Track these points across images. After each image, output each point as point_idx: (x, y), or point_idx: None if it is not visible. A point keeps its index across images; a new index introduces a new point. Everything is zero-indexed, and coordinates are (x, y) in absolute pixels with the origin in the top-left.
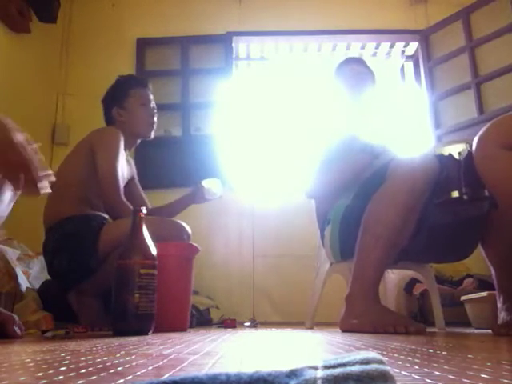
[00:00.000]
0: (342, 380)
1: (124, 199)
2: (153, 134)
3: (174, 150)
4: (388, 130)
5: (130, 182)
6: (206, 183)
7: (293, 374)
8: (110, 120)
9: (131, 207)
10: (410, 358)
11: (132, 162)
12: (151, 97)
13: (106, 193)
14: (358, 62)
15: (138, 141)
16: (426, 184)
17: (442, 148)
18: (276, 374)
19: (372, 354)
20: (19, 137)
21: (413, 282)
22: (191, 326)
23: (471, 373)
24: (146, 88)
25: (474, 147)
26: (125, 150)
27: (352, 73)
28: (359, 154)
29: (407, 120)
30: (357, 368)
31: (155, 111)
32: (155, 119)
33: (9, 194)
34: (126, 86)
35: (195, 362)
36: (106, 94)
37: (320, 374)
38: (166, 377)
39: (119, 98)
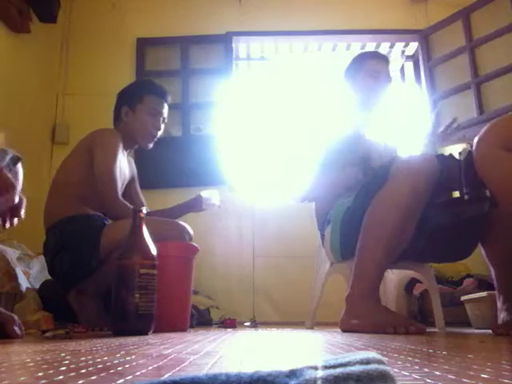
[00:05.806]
0: (342, 380)
1: (121, 198)
2: (151, 146)
3: (174, 150)
4: (390, 131)
5: (130, 183)
6: (204, 193)
7: (293, 374)
8: (116, 116)
9: (130, 205)
10: (410, 358)
11: (132, 162)
12: (165, 109)
13: (103, 192)
14: (381, 58)
15: (136, 146)
16: (427, 185)
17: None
18: (276, 374)
19: (372, 354)
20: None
21: (413, 282)
22: (191, 326)
23: (471, 373)
24: (162, 99)
25: (474, 147)
26: (125, 150)
27: (373, 72)
28: (353, 168)
29: (407, 120)
30: (357, 368)
31: (162, 125)
32: (159, 133)
33: None
34: (143, 90)
35: (195, 362)
36: (123, 89)
37: (320, 374)
38: (165, 377)
39: (132, 98)
